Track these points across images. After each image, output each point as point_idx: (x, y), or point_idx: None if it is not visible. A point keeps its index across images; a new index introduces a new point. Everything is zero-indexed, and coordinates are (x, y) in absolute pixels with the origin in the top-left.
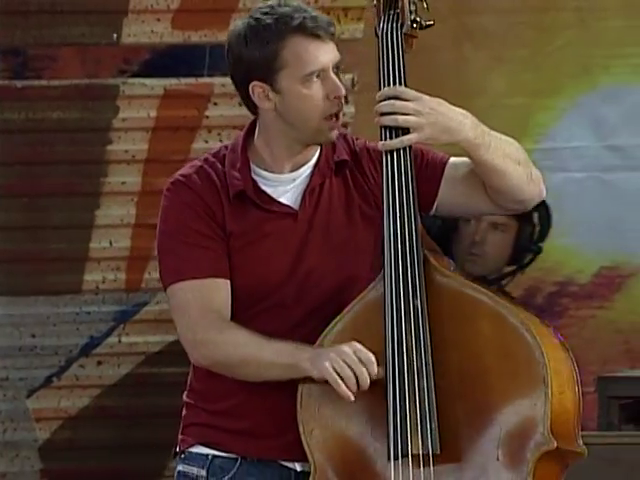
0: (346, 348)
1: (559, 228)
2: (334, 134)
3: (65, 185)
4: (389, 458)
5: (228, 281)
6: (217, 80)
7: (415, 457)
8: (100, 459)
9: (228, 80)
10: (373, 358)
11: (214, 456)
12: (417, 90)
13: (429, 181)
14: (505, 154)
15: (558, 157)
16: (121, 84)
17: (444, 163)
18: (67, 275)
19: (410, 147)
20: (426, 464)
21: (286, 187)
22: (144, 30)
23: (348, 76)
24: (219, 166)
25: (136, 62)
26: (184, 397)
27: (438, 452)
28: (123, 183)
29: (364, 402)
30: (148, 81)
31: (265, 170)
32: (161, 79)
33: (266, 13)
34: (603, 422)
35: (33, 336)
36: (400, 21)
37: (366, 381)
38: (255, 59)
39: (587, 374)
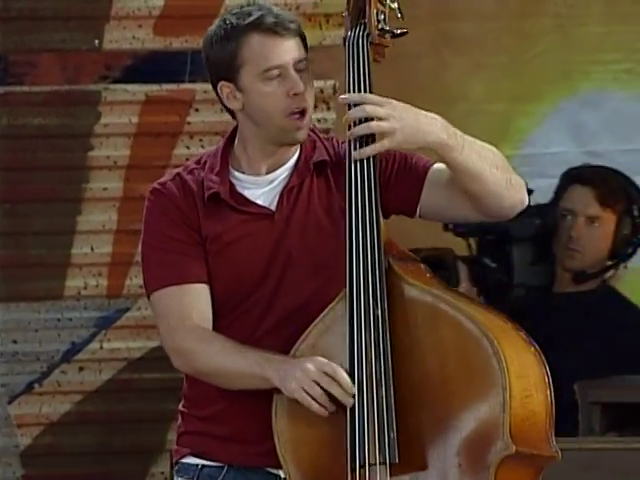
0: (310, 365)
1: None
2: (300, 134)
3: (46, 191)
4: (348, 468)
5: (207, 285)
6: (199, 86)
7: (374, 466)
8: (82, 465)
9: (209, 86)
10: (340, 370)
11: (203, 465)
12: (396, 96)
13: (412, 185)
14: (480, 157)
15: (538, 163)
16: (103, 90)
17: (427, 168)
18: (49, 281)
19: (375, 156)
20: (387, 473)
21: (263, 189)
22: (126, 36)
23: (330, 82)
24: (199, 172)
25: (118, 68)
26: (179, 406)
27: (396, 461)
28: (105, 189)
29: (334, 413)
30: (130, 87)
31: (242, 173)
32: (143, 85)
33: (232, 14)
34: (585, 428)
35: (14, 342)
36: (367, 30)
37: (340, 393)
38: (219, 58)
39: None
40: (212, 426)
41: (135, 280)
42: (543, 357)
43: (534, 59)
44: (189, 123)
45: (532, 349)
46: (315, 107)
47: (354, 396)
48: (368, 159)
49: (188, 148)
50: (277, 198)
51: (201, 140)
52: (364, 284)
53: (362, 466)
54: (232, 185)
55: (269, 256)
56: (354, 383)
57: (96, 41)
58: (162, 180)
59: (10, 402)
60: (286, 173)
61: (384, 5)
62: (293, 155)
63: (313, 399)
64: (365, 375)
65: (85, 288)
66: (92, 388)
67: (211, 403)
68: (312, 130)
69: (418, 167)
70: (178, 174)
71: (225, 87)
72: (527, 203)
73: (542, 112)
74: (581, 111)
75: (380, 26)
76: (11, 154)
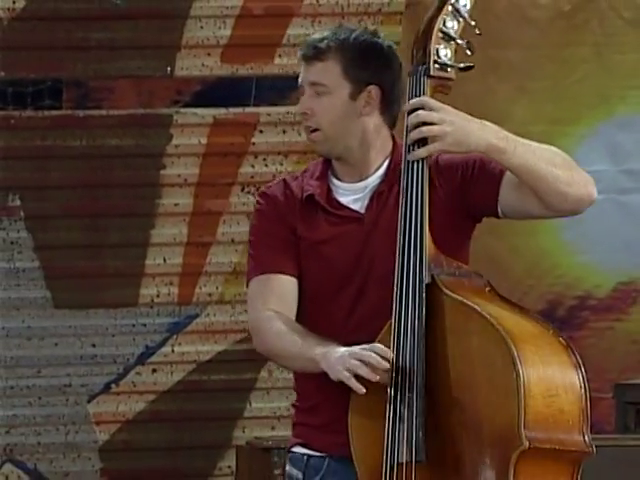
0: (354, 348)
1: (579, 246)
2: (315, 147)
3: (122, 206)
4: (383, 468)
5: (293, 279)
6: (262, 110)
7: (402, 465)
8: (155, 459)
9: (273, 109)
10: (378, 344)
11: (309, 456)
12: None
13: (490, 187)
14: (535, 157)
15: None
16: (174, 113)
17: (504, 171)
18: (124, 289)
19: (425, 159)
20: (416, 472)
21: (357, 195)
22: (195, 64)
23: None
24: (302, 178)
25: (188, 93)
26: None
27: (423, 459)
28: (176, 205)
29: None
30: (199, 111)
31: (339, 180)
32: (211, 109)
33: None
34: (620, 426)
35: (93, 346)
36: (425, 64)
37: (378, 361)
38: None
39: (605, 381)
40: (311, 417)
41: (204, 289)
42: (580, 361)
43: (574, 84)
44: (254, 144)
45: (567, 353)
46: None
47: (390, 399)
48: (420, 163)
49: (253, 167)
50: (367, 202)
51: (265, 159)
52: (405, 296)
53: (392, 465)
54: (329, 190)
55: (356, 256)
56: (391, 387)
57: (168, 68)
58: (269, 184)
59: (89, 401)
60: (378, 180)
61: (448, 42)
62: (384, 162)
63: (355, 376)
64: (400, 380)
65: (158, 296)
66: (164, 388)
67: (310, 396)
68: None
69: (495, 171)
70: (284, 179)
71: None
72: (595, 198)
73: (581, 134)
74: (618, 133)
75: (441, 60)
76: (90, 172)
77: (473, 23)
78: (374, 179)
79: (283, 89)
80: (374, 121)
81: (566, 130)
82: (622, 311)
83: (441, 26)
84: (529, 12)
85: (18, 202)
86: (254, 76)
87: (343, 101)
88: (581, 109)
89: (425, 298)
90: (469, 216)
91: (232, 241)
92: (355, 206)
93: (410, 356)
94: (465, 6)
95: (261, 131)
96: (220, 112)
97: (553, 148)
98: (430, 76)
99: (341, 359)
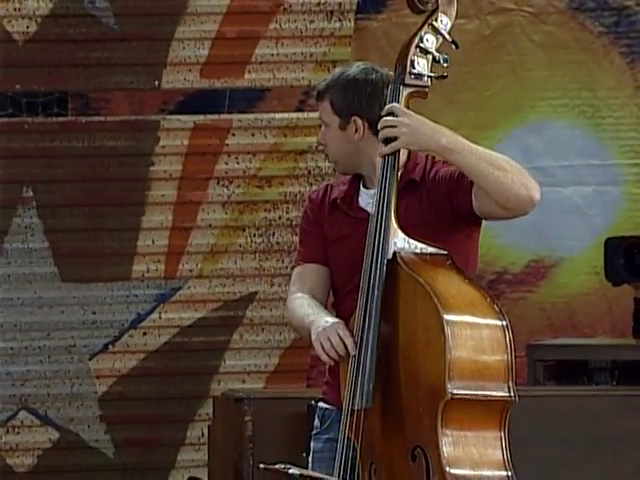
0: (330, 327)
1: (497, 230)
2: (333, 166)
3: (117, 197)
4: (342, 414)
5: (319, 266)
6: (235, 116)
7: (355, 412)
8: (145, 407)
9: (243, 116)
10: (349, 336)
11: (325, 409)
12: None
13: (464, 195)
14: (480, 159)
15: None
16: (161, 119)
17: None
18: (119, 266)
19: (395, 154)
20: (365, 418)
21: (372, 199)
22: (179, 78)
23: None
24: (339, 184)
25: (172, 102)
26: None
27: (370, 406)
28: (163, 195)
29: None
30: (182, 117)
31: (365, 187)
32: (192, 115)
33: None
34: (531, 379)
35: (94, 313)
36: (402, 74)
37: (342, 352)
38: None
39: (519, 343)
40: (332, 378)
41: (186, 265)
42: (508, 324)
43: (492, 96)
44: (227, 145)
45: (498, 317)
46: None
47: (351, 357)
48: (389, 158)
49: (226, 164)
50: None
51: (236, 158)
52: (371, 268)
53: (347, 412)
54: (355, 194)
55: (362, 252)
56: (355, 348)
57: (156, 82)
58: (315, 189)
59: (90, 359)
60: None
61: (425, 55)
62: (397, 173)
63: (324, 350)
64: (359, 340)
65: (147, 272)
66: (153, 349)
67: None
68: (426, 155)
69: (467, 180)
70: (327, 184)
71: None
72: (537, 200)
73: (499, 137)
74: (529, 136)
75: (416, 71)
76: (90, 168)
77: (451, 40)
78: None
79: (252, 99)
80: (370, 142)
81: (486, 134)
82: (533, 284)
83: (419, 42)
84: (454, 35)
85: (31, 193)
86: (228, 88)
87: (336, 132)
88: (498, 116)
89: (386, 271)
90: (460, 217)
91: (209, 226)
92: (369, 208)
93: (369, 319)
94: (446, 25)
95: (233, 134)
96: (199, 118)
97: (502, 155)
98: (405, 84)
99: (319, 334)
